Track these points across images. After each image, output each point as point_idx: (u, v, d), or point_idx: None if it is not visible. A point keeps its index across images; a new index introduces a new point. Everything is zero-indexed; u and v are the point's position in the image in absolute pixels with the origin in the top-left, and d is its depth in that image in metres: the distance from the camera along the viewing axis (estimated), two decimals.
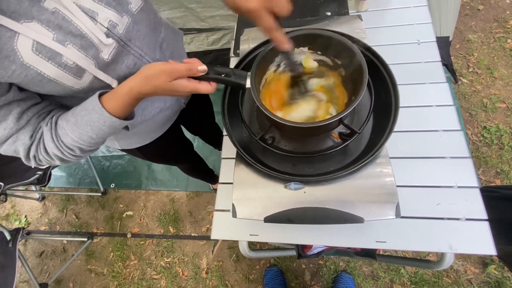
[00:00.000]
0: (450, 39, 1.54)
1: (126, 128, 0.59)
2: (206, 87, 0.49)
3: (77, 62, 0.44)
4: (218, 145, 1.47)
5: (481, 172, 1.49)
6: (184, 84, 0.47)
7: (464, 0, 1.92)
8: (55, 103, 0.54)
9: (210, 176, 1.49)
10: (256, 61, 0.55)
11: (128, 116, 0.51)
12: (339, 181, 0.56)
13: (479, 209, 0.60)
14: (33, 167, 1.37)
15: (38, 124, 0.48)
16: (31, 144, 0.48)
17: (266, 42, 0.65)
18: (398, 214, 0.52)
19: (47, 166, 1.37)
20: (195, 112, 0.96)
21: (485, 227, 0.59)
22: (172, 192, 1.74)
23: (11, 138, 0.47)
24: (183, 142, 1.06)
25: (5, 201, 1.55)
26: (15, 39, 0.38)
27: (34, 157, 0.49)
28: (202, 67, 0.48)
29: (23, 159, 0.50)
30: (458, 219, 0.60)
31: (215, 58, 1.69)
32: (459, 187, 0.62)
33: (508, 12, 1.85)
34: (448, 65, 1.63)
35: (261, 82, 0.60)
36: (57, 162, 0.51)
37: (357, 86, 0.53)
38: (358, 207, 0.54)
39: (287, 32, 0.52)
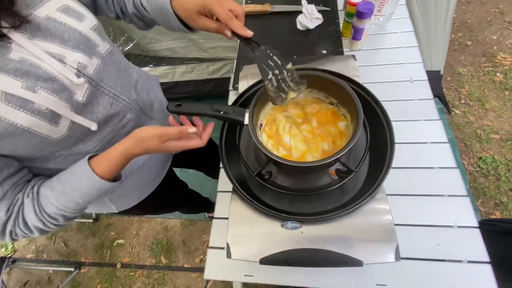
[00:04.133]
0: (441, 72, 1.60)
1: (119, 180, 0.59)
2: (196, 143, 0.51)
3: (50, 107, 0.42)
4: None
5: (480, 204, 1.47)
6: (174, 145, 0.49)
7: (452, 36, 2.03)
8: (35, 169, 0.52)
9: (206, 207, 1.46)
10: (254, 99, 0.57)
11: (115, 178, 0.52)
12: (337, 220, 0.55)
13: (480, 250, 0.58)
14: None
15: (14, 196, 0.46)
16: (8, 219, 0.45)
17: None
18: (398, 257, 0.50)
19: None
20: (194, 155, 0.93)
21: (488, 270, 0.57)
22: (166, 219, 1.69)
23: None
24: (179, 185, 1.03)
25: None
26: None
27: (11, 232, 0.46)
28: (193, 129, 0.50)
29: None
30: (460, 261, 0.58)
31: (215, 86, 1.73)
32: (459, 227, 0.61)
33: (495, 48, 1.95)
34: (440, 96, 1.68)
35: (258, 118, 0.61)
36: (36, 235, 0.49)
37: (352, 124, 0.54)
38: (357, 248, 0.52)
39: None
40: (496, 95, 1.77)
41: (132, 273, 1.57)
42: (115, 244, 1.67)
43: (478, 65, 1.90)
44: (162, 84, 0.78)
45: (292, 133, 0.60)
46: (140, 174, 0.70)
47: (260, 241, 0.55)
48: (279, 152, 0.59)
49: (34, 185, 0.48)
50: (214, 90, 1.74)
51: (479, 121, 1.70)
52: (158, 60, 1.67)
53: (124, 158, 0.48)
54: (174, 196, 1.00)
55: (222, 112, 0.55)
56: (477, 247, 0.59)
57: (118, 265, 1.60)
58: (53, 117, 0.43)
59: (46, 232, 0.50)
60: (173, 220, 1.68)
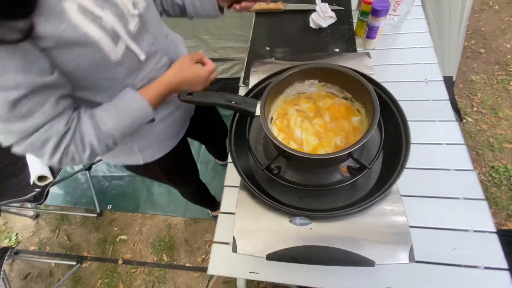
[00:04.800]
0: (454, 79, 1.57)
1: (152, 120, 0.63)
2: (212, 65, 0.65)
3: (113, 26, 0.48)
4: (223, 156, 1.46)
5: (492, 214, 1.42)
6: (200, 66, 0.63)
7: (466, 43, 2.00)
8: (84, 103, 0.55)
9: (211, 203, 1.45)
10: (267, 91, 0.56)
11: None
12: (348, 218, 0.53)
13: (498, 256, 0.56)
14: (48, 165, 1.34)
15: (71, 114, 0.50)
16: (66, 132, 0.48)
17: (275, 74, 0.66)
18: (412, 258, 0.48)
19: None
20: (204, 123, 1.01)
21: (506, 277, 0.54)
22: (169, 217, 1.68)
23: (45, 126, 0.45)
24: (193, 161, 1.08)
25: None
26: (62, 0, 0.42)
27: (65, 148, 0.48)
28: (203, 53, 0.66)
29: (48, 152, 0.47)
30: (476, 267, 0.55)
31: (224, 86, 1.74)
32: (475, 231, 0.58)
33: (509, 56, 1.91)
34: (452, 103, 1.64)
35: (269, 111, 0.60)
36: (86, 154, 0.51)
37: (367, 120, 0.53)
38: (368, 248, 0.50)
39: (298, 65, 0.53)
40: (510, 104, 1.73)
41: (133, 270, 1.55)
42: (117, 239, 1.66)
43: (491, 73, 1.87)
44: None
45: (304, 127, 0.59)
46: (167, 125, 0.74)
47: (267, 236, 0.54)
48: (290, 146, 0.57)
49: (86, 108, 0.52)
50: (223, 89, 1.74)
51: (491, 129, 1.66)
52: None
53: (167, 88, 0.58)
54: (189, 165, 1.04)
55: (233, 102, 0.55)
56: (494, 252, 0.56)
57: (120, 261, 1.58)
58: (114, 37, 0.49)
59: (94, 156, 0.53)
60: (177, 218, 1.67)
